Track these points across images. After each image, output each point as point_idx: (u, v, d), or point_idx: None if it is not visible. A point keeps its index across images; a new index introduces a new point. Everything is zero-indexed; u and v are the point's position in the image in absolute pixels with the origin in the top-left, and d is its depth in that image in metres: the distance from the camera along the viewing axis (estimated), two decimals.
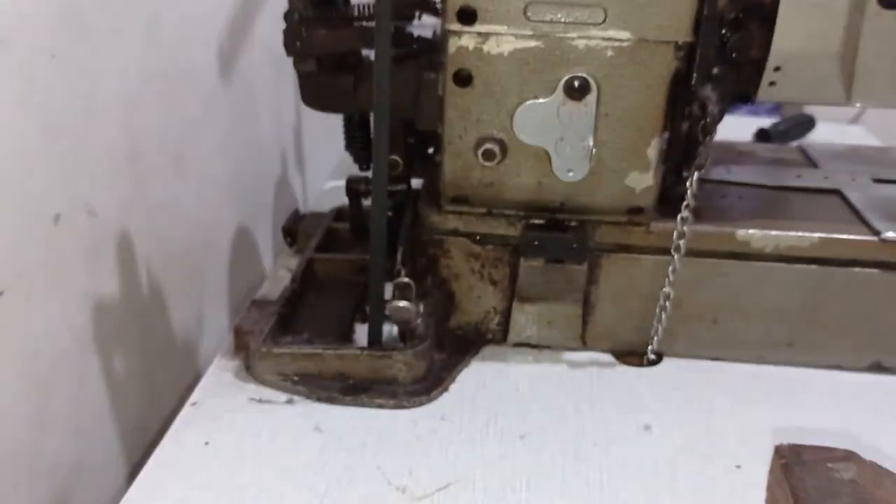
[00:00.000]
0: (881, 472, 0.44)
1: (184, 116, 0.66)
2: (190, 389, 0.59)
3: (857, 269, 0.58)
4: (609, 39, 0.51)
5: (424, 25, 0.62)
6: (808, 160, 0.73)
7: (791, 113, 1.21)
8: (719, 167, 0.69)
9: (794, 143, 0.83)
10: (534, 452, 0.53)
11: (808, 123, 1.11)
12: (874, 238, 0.57)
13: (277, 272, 0.74)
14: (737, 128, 1.08)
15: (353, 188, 0.69)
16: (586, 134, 0.53)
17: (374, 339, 0.58)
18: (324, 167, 1.02)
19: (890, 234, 0.57)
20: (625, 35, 0.51)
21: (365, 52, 0.60)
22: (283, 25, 0.58)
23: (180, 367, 0.67)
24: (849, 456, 0.44)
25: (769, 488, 0.47)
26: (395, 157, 0.61)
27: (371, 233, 0.56)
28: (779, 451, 0.47)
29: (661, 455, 0.53)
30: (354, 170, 0.69)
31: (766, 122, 1.13)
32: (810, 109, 1.24)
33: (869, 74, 0.53)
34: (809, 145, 0.77)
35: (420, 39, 0.62)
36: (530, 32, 0.51)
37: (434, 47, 0.59)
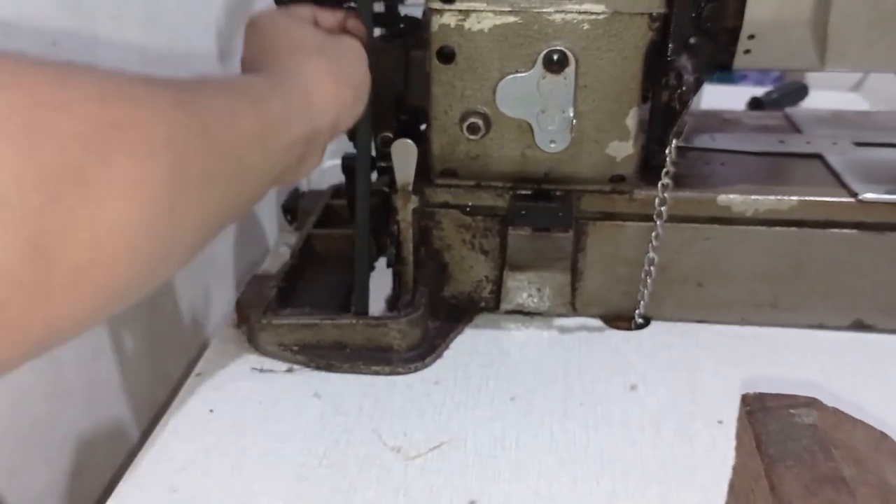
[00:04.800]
0: (842, 416, 0.46)
1: None
2: (196, 362, 0.62)
3: (835, 231, 0.60)
4: (585, 13, 0.52)
5: (417, 5, 0.64)
6: (793, 126, 0.74)
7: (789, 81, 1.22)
8: (704, 135, 0.71)
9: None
10: (523, 413, 0.55)
11: (800, 91, 1.11)
12: (851, 199, 0.59)
13: (278, 248, 0.76)
14: (734, 97, 1.09)
15: (349, 165, 0.71)
16: (566, 106, 0.55)
17: (361, 309, 0.61)
18: None
19: (867, 196, 0.59)
20: (599, 8, 0.52)
21: None
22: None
23: (188, 340, 0.70)
24: (811, 402, 0.46)
25: (737, 435, 0.49)
26: (387, 133, 0.63)
27: (357, 205, 0.58)
28: (745, 400, 0.49)
29: (645, 413, 0.55)
30: (350, 147, 0.71)
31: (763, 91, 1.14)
32: (809, 77, 1.24)
33: (841, 40, 0.54)
34: (794, 112, 0.79)
35: (408, 18, 0.64)
36: (508, 8, 0.53)
37: (421, 26, 0.61)
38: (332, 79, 0.48)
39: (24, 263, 0.26)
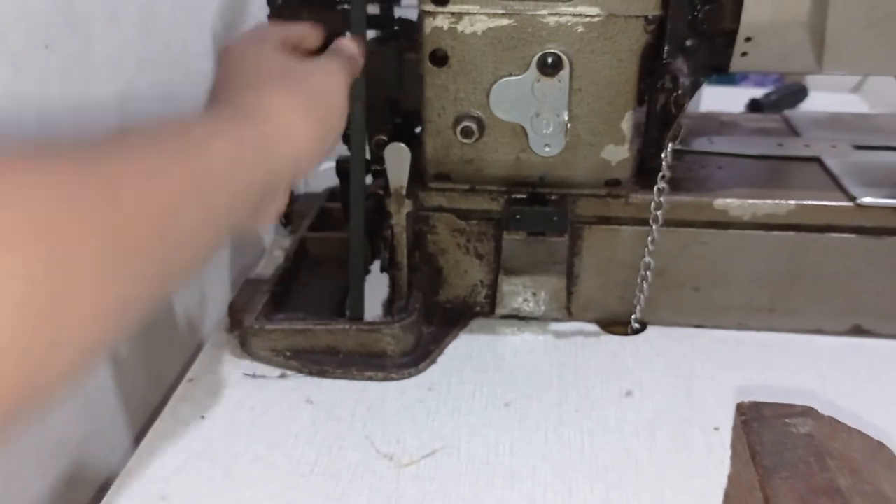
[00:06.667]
0: (838, 426, 0.45)
1: (179, 104, 0.67)
2: (191, 365, 0.61)
3: (833, 235, 0.59)
4: (579, 15, 0.52)
5: (411, 6, 0.63)
6: (791, 129, 0.74)
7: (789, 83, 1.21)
8: (701, 138, 0.70)
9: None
10: (517, 419, 0.55)
11: (800, 93, 1.11)
12: (850, 203, 0.58)
13: (272, 252, 0.76)
14: (734, 98, 1.09)
15: (344, 168, 0.70)
16: (561, 109, 0.55)
17: (357, 313, 0.60)
18: None
19: (866, 199, 0.58)
20: (594, 10, 0.52)
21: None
22: None
23: (182, 344, 0.69)
24: (806, 412, 0.46)
25: (732, 445, 0.48)
26: (382, 136, 0.63)
27: (351, 208, 0.58)
28: (740, 409, 0.48)
29: (641, 419, 0.55)
30: (345, 150, 0.70)
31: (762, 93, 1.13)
32: (809, 78, 1.24)
33: (838, 42, 0.54)
34: (793, 114, 0.78)
35: (402, 21, 0.64)
36: (502, 11, 0.52)
37: (415, 28, 0.60)
38: (298, 114, 0.44)
39: None
